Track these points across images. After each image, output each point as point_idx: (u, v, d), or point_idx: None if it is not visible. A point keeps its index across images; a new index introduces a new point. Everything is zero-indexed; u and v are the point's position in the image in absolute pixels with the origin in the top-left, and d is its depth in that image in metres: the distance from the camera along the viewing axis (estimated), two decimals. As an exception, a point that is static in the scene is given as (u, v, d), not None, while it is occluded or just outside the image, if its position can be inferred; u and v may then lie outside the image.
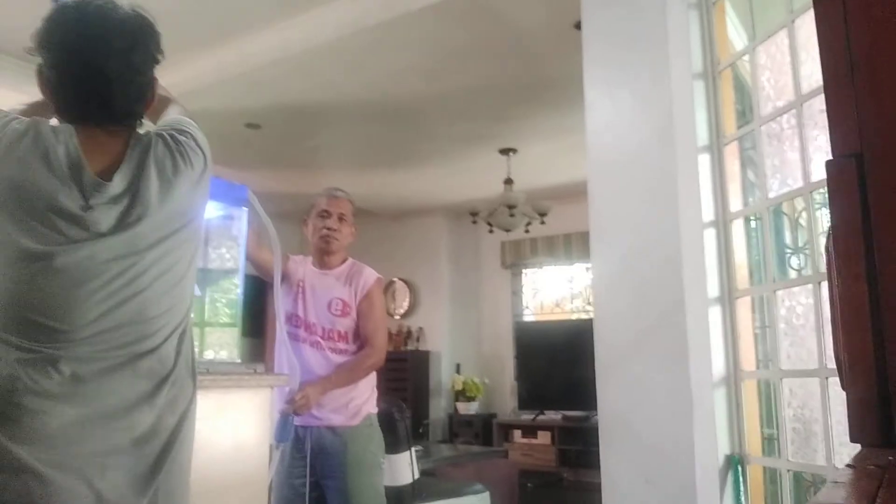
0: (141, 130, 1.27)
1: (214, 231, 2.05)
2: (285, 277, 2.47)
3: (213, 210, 1.97)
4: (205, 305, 1.90)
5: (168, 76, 4.68)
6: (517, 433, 6.80)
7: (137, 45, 1.22)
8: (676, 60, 1.96)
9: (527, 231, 6.26)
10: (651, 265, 1.99)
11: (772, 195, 1.93)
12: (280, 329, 2.32)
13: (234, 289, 1.98)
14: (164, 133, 1.27)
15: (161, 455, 1.19)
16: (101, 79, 1.18)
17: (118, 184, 1.17)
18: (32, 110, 1.30)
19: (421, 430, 6.84)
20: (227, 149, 5.56)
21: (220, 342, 1.88)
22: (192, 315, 1.31)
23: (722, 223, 1.99)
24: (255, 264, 2.32)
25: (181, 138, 1.27)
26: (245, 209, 1.97)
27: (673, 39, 1.96)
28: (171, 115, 1.38)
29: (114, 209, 1.16)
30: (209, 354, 1.83)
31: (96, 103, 1.20)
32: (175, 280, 1.24)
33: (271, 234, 2.06)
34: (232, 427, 1.68)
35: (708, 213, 1.97)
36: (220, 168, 5.78)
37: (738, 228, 2.02)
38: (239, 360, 1.88)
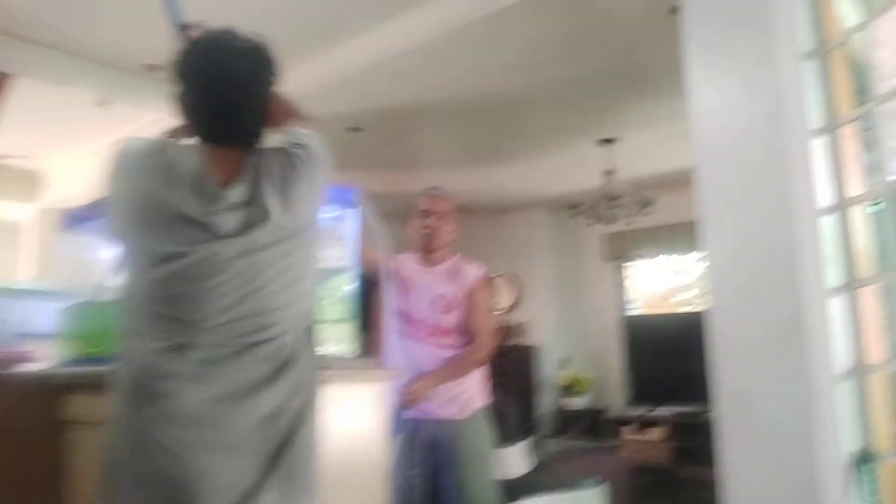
0: (265, 143, 1.39)
1: (326, 231, 2.16)
2: (392, 275, 2.57)
3: (324, 212, 2.07)
4: (320, 303, 2.01)
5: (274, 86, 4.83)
6: (628, 429, 6.67)
7: (258, 75, 1.40)
8: (782, 41, 1.88)
9: (630, 223, 6.13)
10: (765, 254, 1.92)
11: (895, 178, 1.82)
12: (390, 325, 2.40)
13: (347, 286, 2.07)
14: (283, 147, 1.38)
15: (287, 435, 1.29)
16: (227, 106, 1.35)
17: (237, 193, 1.31)
18: (172, 134, 1.44)
19: (529, 425, 6.85)
20: (332, 153, 5.77)
21: (336, 337, 1.97)
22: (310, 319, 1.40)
23: (840, 209, 1.89)
24: (364, 263, 2.42)
25: (297, 151, 1.38)
26: (354, 210, 2.06)
27: (777, 19, 1.88)
28: (292, 129, 1.48)
29: (234, 215, 1.29)
30: (326, 349, 1.93)
31: (223, 127, 1.35)
32: (294, 279, 1.35)
33: (378, 233, 2.15)
34: (349, 419, 1.77)
35: (824, 199, 1.87)
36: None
37: (858, 214, 1.91)
38: (353, 355, 1.97)
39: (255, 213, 1.30)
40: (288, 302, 1.34)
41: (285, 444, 1.29)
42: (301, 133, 1.48)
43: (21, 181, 6.90)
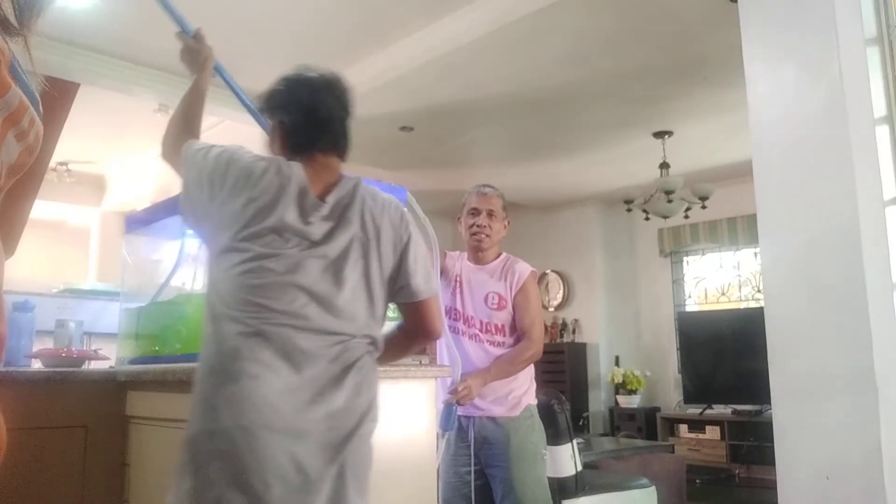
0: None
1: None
2: (443, 273, 2.58)
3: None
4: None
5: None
6: (683, 427, 6.55)
7: (346, 101, 1.61)
8: (846, 26, 1.81)
9: (686, 216, 6.00)
10: (827, 248, 1.86)
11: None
12: (441, 323, 2.42)
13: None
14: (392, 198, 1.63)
15: (351, 430, 1.38)
16: (329, 128, 1.56)
17: (330, 204, 1.47)
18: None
19: (581, 423, 6.79)
20: (384, 152, 5.83)
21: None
22: (377, 328, 1.51)
23: (908, 199, 1.81)
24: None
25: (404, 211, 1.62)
26: (405, 209, 2.08)
27: (841, 4, 1.81)
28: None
29: (325, 224, 1.45)
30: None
31: (324, 145, 1.55)
32: (363, 290, 1.47)
33: (429, 231, 2.16)
34: (402, 416, 1.79)
35: (890, 190, 1.80)
36: (379, 171, 6.09)
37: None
38: (404, 353, 1.99)
39: (340, 224, 1.46)
40: (355, 310, 1.45)
41: (347, 440, 1.38)
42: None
43: (86, 186, 7.20)
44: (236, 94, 1.91)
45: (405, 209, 1.64)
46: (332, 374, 1.39)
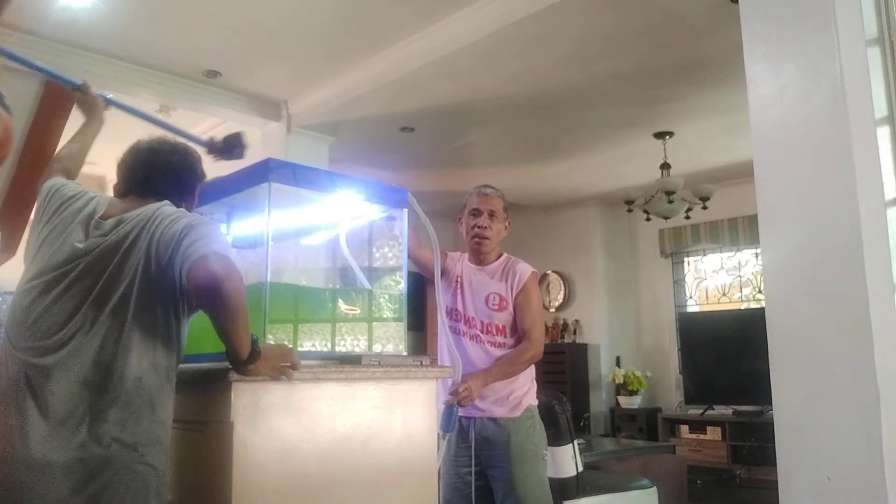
0: None
1: (378, 231, 2.18)
2: (444, 274, 2.57)
3: (376, 212, 2.10)
4: (371, 301, 2.03)
5: (329, 87, 5.00)
6: (684, 428, 6.55)
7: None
8: (846, 27, 1.81)
9: (687, 217, 6.00)
10: (828, 248, 1.86)
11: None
12: (441, 323, 2.41)
13: (398, 285, 2.09)
14: None
15: None
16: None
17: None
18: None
19: (582, 424, 6.78)
20: (384, 152, 5.83)
21: (387, 336, 1.99)
22: None
23: (910, 200, 1.81)
24: (416, 262, 2.44)
25: None
26: (405, 210, 2.07)
27: (841, 4, 1.81)
28: None
29: None
30: (377, 347, 1.95)
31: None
32: None
33: (430, 232, 2.15)
34: (402, 416, 1.79)
35: (891, 190, 1.80)
36: (380, 171, 6.09)
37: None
38: (405, 353, 1.98)
39: None
40: None
41: None
42: None
43: (87, 186, 7.19)
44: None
45: None
46: None
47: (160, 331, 1.43)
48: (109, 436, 1.33)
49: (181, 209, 1.55)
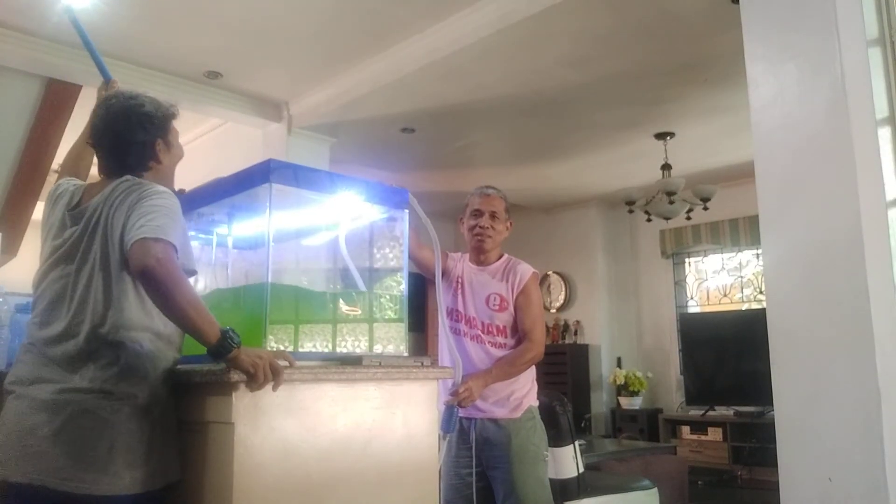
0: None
1: (379, 232, 2.18)
2: (445, 274, 2.57)
3: (376, 213, 2.10)
4: (372, 302, 2.03)
5: (330, 88, 4.98)
6: (685, 429, 6.54)
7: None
8: (847, 27, 1.81)
9: (688, 218, 6.00)
10: (829, 249, 1.86)
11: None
12: (442, 323, 2.41)
13: (398, 286, 2.08)
14: None
15: None
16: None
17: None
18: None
19: (583, 425, 6.78)
20: (385, 153, 5.83)
21: (388, 336, 1.99)
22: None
23: (911, 200, 1.81)
24: (417, 262, 2.44)
25: None
26: (406, 211, 2.07)
27: (842, 5, 1.81)
28: None
29: None
30: (378, 348, 1.94)
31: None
32: None
33: (431, 233, 2.15)
34: (403, 417, 1.78)
35: (892, 191, 1.80)
36: (380, 172, 6.09)
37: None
38: (406, 354, 1.98)
39: None
40: None
41: None
42: None
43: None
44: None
45: None
46: None
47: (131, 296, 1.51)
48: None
49: (134, 181, 1.57)
